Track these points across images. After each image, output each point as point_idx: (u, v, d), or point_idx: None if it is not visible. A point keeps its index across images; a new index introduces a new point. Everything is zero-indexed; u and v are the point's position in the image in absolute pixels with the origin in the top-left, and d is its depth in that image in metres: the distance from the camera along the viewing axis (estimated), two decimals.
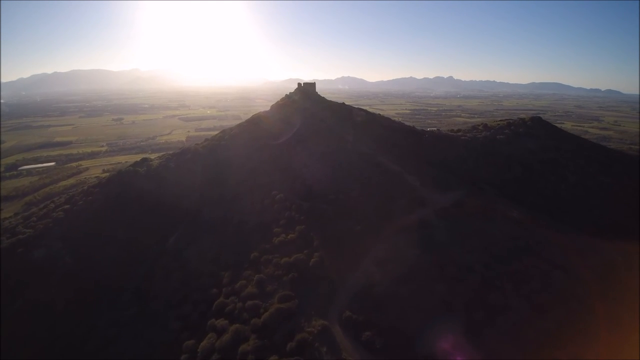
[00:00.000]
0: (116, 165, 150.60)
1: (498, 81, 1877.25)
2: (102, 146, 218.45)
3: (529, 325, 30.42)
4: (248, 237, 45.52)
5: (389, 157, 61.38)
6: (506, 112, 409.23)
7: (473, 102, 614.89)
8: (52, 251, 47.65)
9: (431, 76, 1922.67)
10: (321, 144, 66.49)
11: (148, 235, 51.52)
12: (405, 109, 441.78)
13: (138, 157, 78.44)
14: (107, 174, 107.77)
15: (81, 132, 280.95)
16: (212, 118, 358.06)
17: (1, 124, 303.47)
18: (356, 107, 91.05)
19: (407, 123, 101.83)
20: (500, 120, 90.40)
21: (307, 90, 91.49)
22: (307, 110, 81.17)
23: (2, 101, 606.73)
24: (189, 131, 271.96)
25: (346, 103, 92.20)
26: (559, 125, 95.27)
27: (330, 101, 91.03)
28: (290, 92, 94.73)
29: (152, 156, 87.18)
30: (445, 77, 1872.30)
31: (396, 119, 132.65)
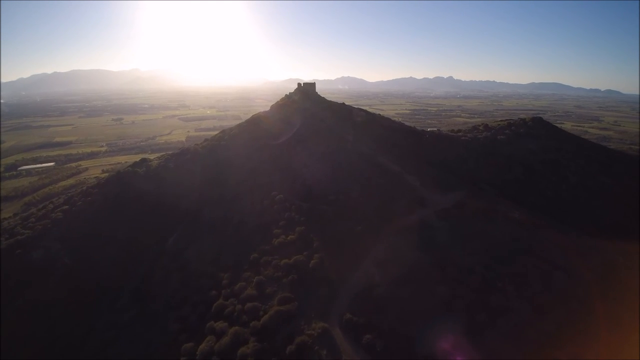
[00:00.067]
0: (116, 166, 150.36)
1: (498, 81, 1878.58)
2: (102, 146, 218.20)
3: (530, 326, 30.23)
4: (247, 238, 45.27)
5: (389, 158, 61.13)
6: (506, 112, 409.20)
7: (473, 102, 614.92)
8: (50, 252, 47.38)
9: (431, 76, 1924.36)
10: (321, 144, 66.23)
11: (147, 236, 51.27)
12: (405, 109, 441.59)
13: (138, 158, 78.20)
14: (107, 174, 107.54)
15: (81, 132, 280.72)
16: (212, 118, 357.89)
17: (1, 124, 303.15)
18: (356, 107, 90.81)
19: (407, 123, 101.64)
20: (501, 121, 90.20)
21: (307, 90, 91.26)
22: (307, 110, 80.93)
23: (2, 101, 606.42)
24: (188, 131, 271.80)
25: (346, 103, 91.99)
26: (559, 126, 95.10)
27: (330, 101, 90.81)
28: (290, 92, 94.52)
29: (152, 156, 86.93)
30: (445, 77, 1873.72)
31: (396, 119, 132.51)
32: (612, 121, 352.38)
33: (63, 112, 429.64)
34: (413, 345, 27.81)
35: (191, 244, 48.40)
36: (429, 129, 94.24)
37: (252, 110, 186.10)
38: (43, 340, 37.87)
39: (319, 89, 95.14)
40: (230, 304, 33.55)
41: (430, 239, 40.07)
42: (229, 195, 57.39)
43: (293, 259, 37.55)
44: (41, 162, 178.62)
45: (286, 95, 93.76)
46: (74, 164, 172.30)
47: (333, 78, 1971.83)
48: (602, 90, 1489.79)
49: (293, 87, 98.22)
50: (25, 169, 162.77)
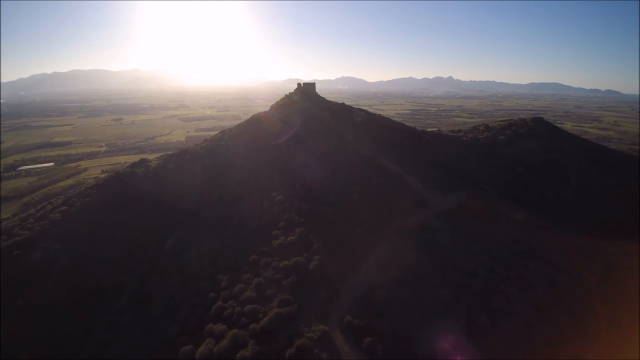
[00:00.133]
0: (115, 166, 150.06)
1: (498, 81, 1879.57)
2: (101, 146, 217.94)
3: (530, 326, 30.09)
4: (247, 239, 44.94)
5: (390, 158, 60.82)
6: (506, 112, 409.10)
7: (473, 102, 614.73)
8: (48, 253, 47.03)
9: (431, 76, 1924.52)
10: (321, 144, 65.92)
11: (146, 237, 50.94)
12: (405, 109, 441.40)
13: (137, 158, 77.90)
14: (106, 174, 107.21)
15: (80, 132, 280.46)
16: (212, 118, 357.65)
17: (1, 124, 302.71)
18: (356, 107, 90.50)
19: (407, 123, 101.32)
20: (502, 121, 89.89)
21: (306, 90, 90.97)
22: (307, 110, 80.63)
23: (1, 101, 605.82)
24: (188, 131, 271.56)
25: (346, 103, 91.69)
26: (559, 126, 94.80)
27: (330, 101, 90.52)
28: (290, 92, 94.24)
29: (151, 157, 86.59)
30: (445, 77, 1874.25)
31: (396, 119, 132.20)
32: (612, 121, 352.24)
33: (63, 112, 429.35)
34: (414, 349, 27.49)
35: (190, 245, 48.08)
36: (429, 129, 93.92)
37: (251, 111, 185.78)
38: (42, 341, 37.57)
39: (318, 89, 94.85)
40: (229, 306, 33.21)
41: (431, 241, 39.75)
42: (228, 196, 57.07)
43: (293, 260, 37.22)
44: (40, 162, 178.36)
45: (286, 95, 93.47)
46: (73, 164, 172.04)
47: (333, 78, 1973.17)
48: (602, 90, 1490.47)
49: (293, 87, 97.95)
50: (25, 169, 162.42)
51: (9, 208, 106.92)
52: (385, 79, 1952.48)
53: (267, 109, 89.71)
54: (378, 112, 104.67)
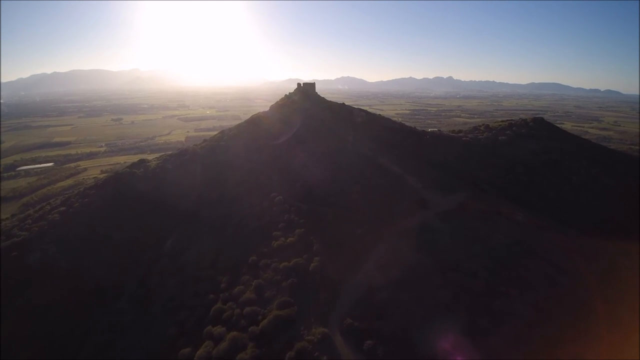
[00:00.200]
0: (115, 166, 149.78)
1: (497, 81, 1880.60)
2: (101, 146, 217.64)
3: (531, 327, 29.98)
4: (246, 240, 44.67)
5: (390, 158, 60.60)
6: (506, 112, 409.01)
7: (473, 102, 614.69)
8: (47, 254, 46.75)
9: (431, 76, 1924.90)
10: (321, 144, 65.69)
11: (145, 237, 50.67)
12: (405, 110, 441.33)
13: (137, 158, 77.63)
14: (105, 174, 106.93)
15: (80, 132, 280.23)
16: (212, 118, 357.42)
17: (1, 124, 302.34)
18: (356, 107, 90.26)
19: (407, 123, 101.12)
20: (502, 121, 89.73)
21: (306, 90, 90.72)
22: (307, 110, 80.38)
23: (1, 101, 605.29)
24: (188, 131, 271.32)
25: (346, 103, 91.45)
26: (559, 126, 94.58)
27: (330, 101, 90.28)
28: (289, 92, 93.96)
29: (151, 157, 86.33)
30: (445, 77, 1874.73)
31: (396, 119, 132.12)
32: (612, 121, 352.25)
33: (62, 112, 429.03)
34: (414, 350, 27.25)
35: (189, 246, 47.82)
36: (429, 130, 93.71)
37: (251, 111, 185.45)
38: (42, 341, 37.38)
39: (318, 89, 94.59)
40: (228, 308, 32.94)
41: (432, 242, 39.52)
42: (228, 196, 56.80)
43: (293, 261, 36.95)
44: (40, 163, 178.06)
45: (286, 95, 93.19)
46: (72, 165, 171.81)
47: (333, 78, 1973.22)
48: (602, 90, 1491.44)
49: (293, 87, 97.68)
50: (24, 170, 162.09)
51: (8, 208, 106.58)
52: (385, 79, 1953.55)
53: (267, 109, 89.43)
54: (378, 112, 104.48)
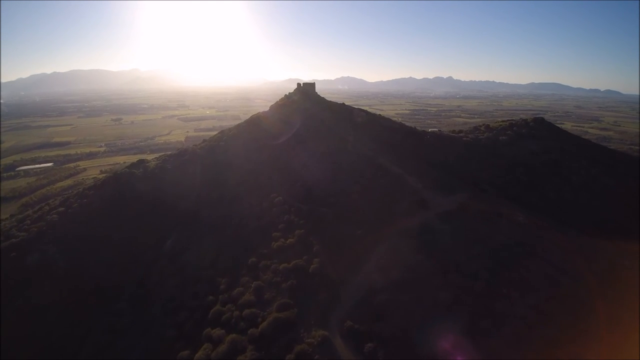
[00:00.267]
0: (114, 166, 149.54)
1: (497, 81, 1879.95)
2: (101, 146, 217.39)
3: (531, 328, 29.81)
4: (246, 241, 44.44)
5: (390, 158, 60.32)
6: (506, 112, 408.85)
7: (472, 102, 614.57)
8: (45, 255, 46.51)
9: (431, 76, 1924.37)
10: (321, 144, 65.44)
11: (145, 237, 50.47)
12: (405, 110, 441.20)
13: (136, 158, 77.43)
14: (105, 175, 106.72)
15: (80, 132, 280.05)
16: (212, 118, 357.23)
17: (0, 124, 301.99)
18: (356, 107, 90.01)
19: (407, 123, 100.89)
20: (502, 121, 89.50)
21: (306, 90, 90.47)
22: (307, 110, 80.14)
23: (1, 101, 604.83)
24: (188, 131, 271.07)
25: (346, 103, 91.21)
26: (559, 126, 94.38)
27: (330, 101, 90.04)
28: (289, 92, 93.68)
29: (150, 157, 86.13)
30: (445, 77, 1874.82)
31: (396, 119, 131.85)
32: (612, 121, 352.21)
33: (62, 112, 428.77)
34: (415, 353, 27.01)
35: (189, 247, 47.60)
36: (429, 130, 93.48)
37: (251, 111, 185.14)
38: (42, 341, 37.26)
39: (318, 89, 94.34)
40: (227, 310, 32.69)
41: (432, 242, 39.26)
42: (227, 197, 56.58)
43: (292, 263, 36.72)
44: (40, 163, 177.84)
45: (286, 95, 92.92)
46: (72, 165, 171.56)
47: (333, 78, 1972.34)
48: (602, 90, 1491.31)
49: (293, 87, 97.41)
50: (24, 170, 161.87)
51: (7, 209, 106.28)
52: (385, 79, 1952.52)
53: (267, 109, 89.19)
54: (378, 112, 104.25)
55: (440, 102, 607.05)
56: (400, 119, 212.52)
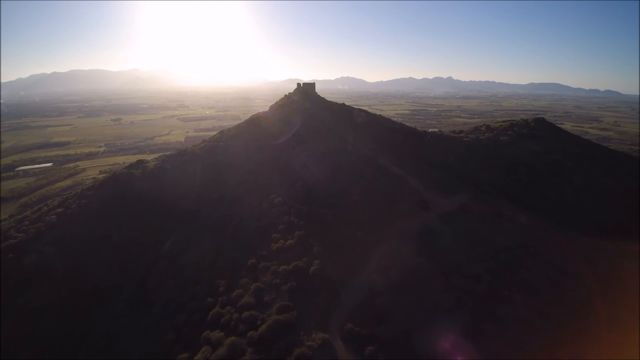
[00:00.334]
0: (114, 166, 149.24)
1: (497, 81, 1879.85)
2: (100, 147, 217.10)
3: (532, 328, 29.71)
4: (245, 243, 44.08)
5: (390, 159, 60.04)
6: (506, 112, 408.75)
7: (472, 102, 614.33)
8: (44, 256, 46.22)
9: (430, 76, 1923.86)
10: (321, 145, 65.12)
11: (144, 238, 50.14)
12: (405, 110, 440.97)
13: (136, 158, 77.16)
14: (104, 175, 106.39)
15: (79, 132, 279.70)
16: (211, 118, 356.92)
17: (0, 124, 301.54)
18: (356, 107, 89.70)
19: (407, 124, 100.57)
20: (503, 122, 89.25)
21: (306, 90, 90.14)
22: (307, 110, 79.81)
23: (1, 101, 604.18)
24: (187, 131, 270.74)
25: (346, 103, 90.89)
26: (559, 126, 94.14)
27: (330, 101, 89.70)
28: (289, 93, 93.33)
29: (150, 157, 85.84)
30: (445, 77, 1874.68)
31: (396, 119, 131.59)
32: (612, 122, 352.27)
33: (62, 112, 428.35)
34: (416, 357, 26.73)
35: (188, 248, 47.26)
36: (430, 130, 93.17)
37: (251, 111, 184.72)
38: (41, 342, 37.09)
39: (318, 89, 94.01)
40: (227, 312, 32.36)
41: (434, 244, 39.01)
42: (227, 197, 56.23)
43: (292, 265, 36.39)
44: (39, 163, 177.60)
45: (286, 95, 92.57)
46: (71, 165, 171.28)
47: (332, 78, 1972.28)
48: (602, 90, 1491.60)
49: (292, 87, 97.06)
50: (23, 170, 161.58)
51: (7, 209, 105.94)
52: (385, 79, 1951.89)
53: (267, 109, 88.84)
54: (378, 113, 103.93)
55: (440, 102, 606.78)
56: (400, 119, 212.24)
